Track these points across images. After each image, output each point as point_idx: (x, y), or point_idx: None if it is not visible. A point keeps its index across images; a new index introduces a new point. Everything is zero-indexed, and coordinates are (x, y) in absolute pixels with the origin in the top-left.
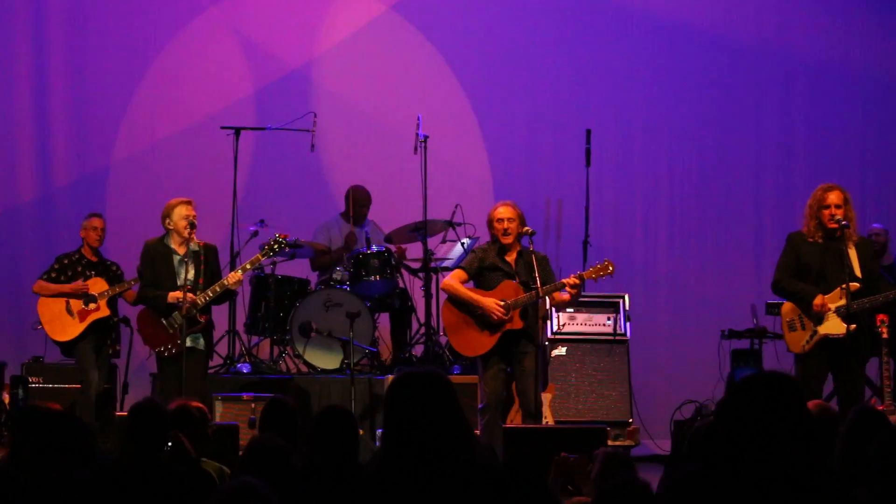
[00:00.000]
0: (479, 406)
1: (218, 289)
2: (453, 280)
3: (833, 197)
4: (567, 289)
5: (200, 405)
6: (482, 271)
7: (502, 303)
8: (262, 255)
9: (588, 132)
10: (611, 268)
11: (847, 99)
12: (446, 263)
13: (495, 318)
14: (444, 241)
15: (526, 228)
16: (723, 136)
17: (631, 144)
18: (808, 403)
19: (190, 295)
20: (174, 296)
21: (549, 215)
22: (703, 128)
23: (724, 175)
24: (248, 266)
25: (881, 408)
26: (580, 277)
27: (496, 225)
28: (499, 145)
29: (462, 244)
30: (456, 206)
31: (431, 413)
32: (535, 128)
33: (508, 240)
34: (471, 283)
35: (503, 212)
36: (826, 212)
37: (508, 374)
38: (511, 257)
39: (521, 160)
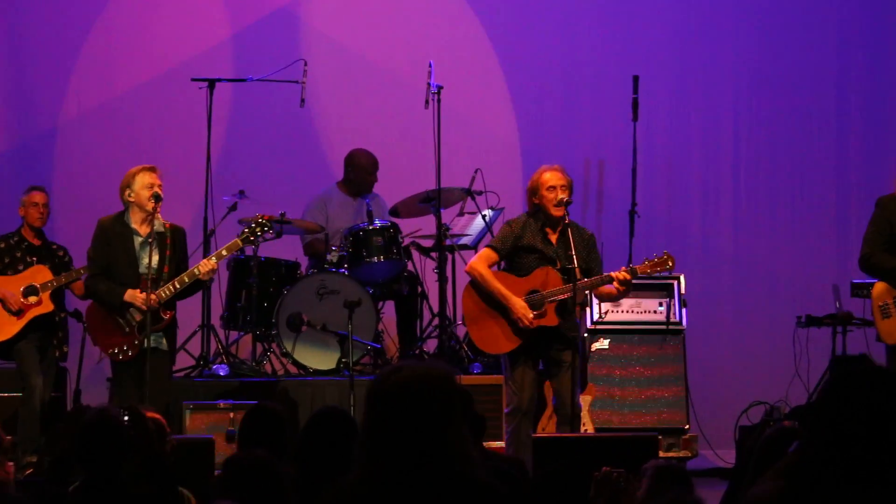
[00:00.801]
0: (505, 411)
1: (187, 279)
2: (481, 263)
3: None
4: (615, 284)
5: (156, 415)
6: (517, 252)
7: (532, 314)
8: (242, 241)
9: (635, 79)
10: (670, 263)
11: None
12: (464, 240)
13: (521, 325)
14: (461, 214)
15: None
16: (798, 84)
17: (687, 94)
18: None
19: (154, 296)
20: (133, 296)
21: (589, 180)
22: (775, 74)
23: (799, 130)
24: (224, 252)
25: None
26: (632, 272)
27: (545, 193)
28: (527, 97)
29: (483, 217)
30: (476, 172)
31: (414, 421)
32: (572, 75)
33: (561, 211)
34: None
35: (554, 177)
36: None
37: (540, 373)
38: (554, 237)
39: (553, 114)
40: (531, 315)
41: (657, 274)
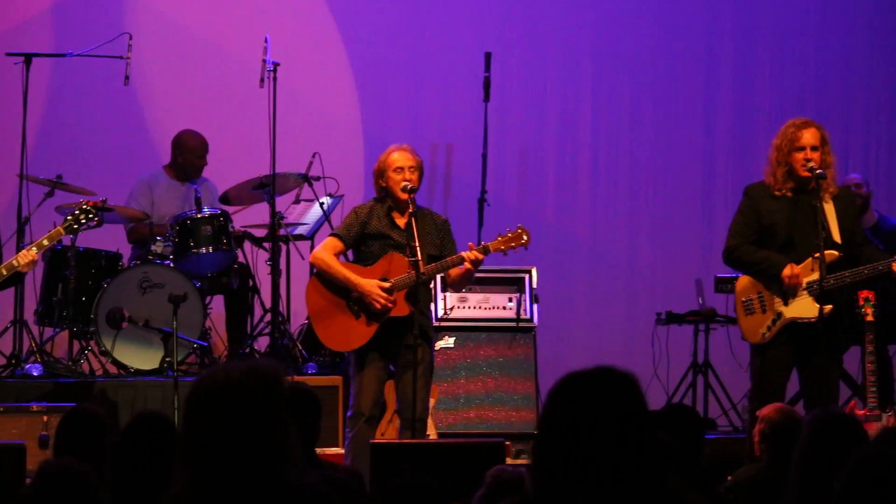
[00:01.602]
0: (348, 414)
1: (4, 271)
2: (325, 252)
3: (809, 136)
4: (466, 264)
5: None
6: (364, 240)
7: (387, 284)
8: (65, 230)
9: (487, 56)
10: (525, 237)
11: (826, 18)
12: (300, 230)
13: (378, 306)
14: (297, 201)
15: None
16: (663, 67)
17: (543, 73)
18: (768, 408)
19: None
20: None
21: (436, 164)
22: (638, 54)
23: (663, 111)
24: (45, 242)
25: (861, 412)
26: (484, 250)
27: (392, 175)
28: (371, 76)
29: (321, 204)
30: (314, 156)
31: (236, 427)
32: (419, 52)
33: (407, 196)
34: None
35: (402, 157)
36: (799, 155)
37: (390, 373)
38: (402, 221)
39: (399, 95)
40: (385, 294)
41: (512, 251)
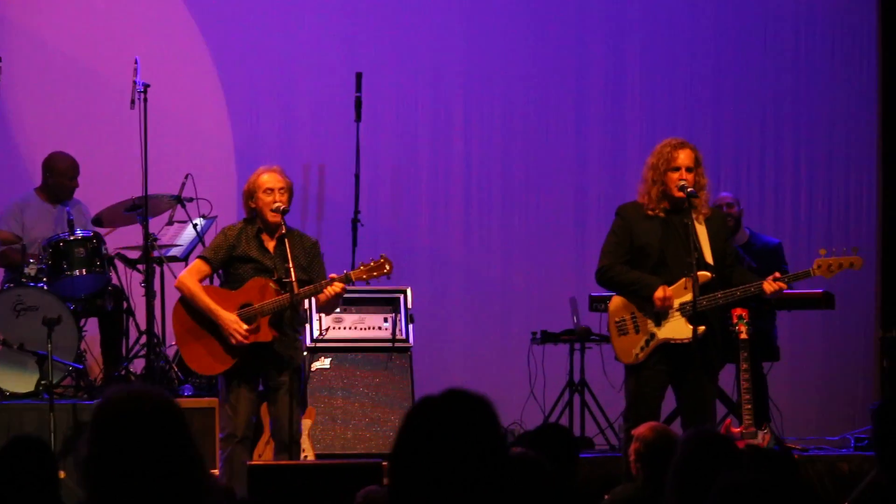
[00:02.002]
0: (220, 436)
1: None
2: (190, 277)
3: (684, 157)
4: (327, 291)
5: None
6: (232, 262)
7: (245, 328)
8: None
9: (358, 76)
10: (387, 267)
11: (697, 37)
12: (174, 251)
13: (233, 341)
14: (170, 223)
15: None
16: (534, 85)
17: (415, 92)
18: (643, 427)
19: None
20: None
21: (309, 185)
22: (511, 69)
23: (534, 131)
24: None
25: (737, 430)
26: (346, 279)
27: (262, 197)
28: (242, 97)
29: (195, 226)
30: (186, 177)
31: (144, 450)
32: (292, 73)
33: (278, 218)
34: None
35: (272, 179)
36: (674, 175)
37: (259, 394)
38: (271, 244)
39: (271, 115)
40: (244, 329)
41: (375, 280)
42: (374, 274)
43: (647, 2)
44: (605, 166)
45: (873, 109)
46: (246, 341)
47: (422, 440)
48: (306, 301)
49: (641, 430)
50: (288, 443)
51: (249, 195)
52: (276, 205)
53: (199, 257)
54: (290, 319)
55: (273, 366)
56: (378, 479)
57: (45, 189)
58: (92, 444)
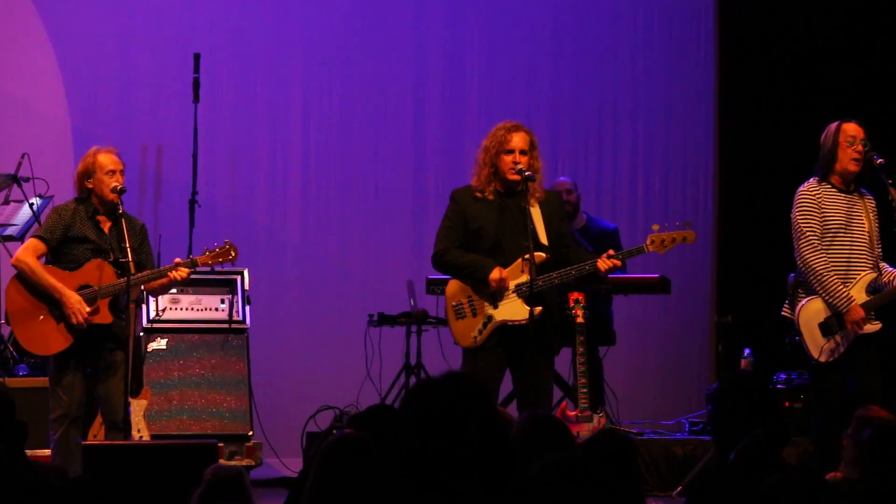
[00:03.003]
0: (52, 417)
1: None
2: (28, 254)
3: (518, 140)
4: (171, 275)
5: None
6: (67, 242)
7: (88, 309)
8: None
9: (196, 57)
10: (233, 253)
11: (537, 22)
12: (9, 231)
13: (74, 321)
14: (6, 202)
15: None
16: (372, 64)
17: (253, 74)
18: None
19: None
20: None
21: (147, 166)
22: (349, 51)
23: (373, 113)
24: None
25: (573, 413)
26: (192, 264)
27: (104, 178)
28: (79, 74)
29: (31, 205)
30: (23, 156)
31: None
32: (128, 52)
33: (117, 198)
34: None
35: (111, 161)
36: (508, 158)
37: (90, 375)
38: (107, 225)
39: (108, 95)
40: (87, 310)
41: (220, 266)
42: (220, 260)
43: None
44: (443, 149)
45: (710, 97)
46: (84, 324)
47: (419, 419)
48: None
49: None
50: (121, 423)
51: (87, 175)
52: (115, 185)
53: (34, 236)
54: (126, 301)
55: (107, 346)
56: (214, 459)
57: None
58: None
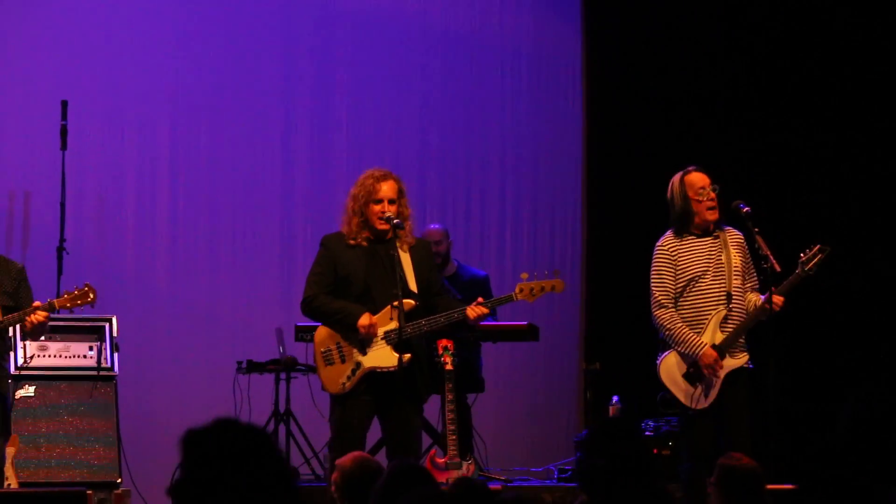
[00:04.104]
0: None
1: None
2: None
3: (386, 189)
4: (30, 319)
5: None
6: None
7: None
8: None
9: (64, 104)
10: (91, 295)
11: (404, 68)
12: None
13: None
14: None
15: None
16: (242, 107)
17: (121, 121)
18: (345, 457)
19: None
20: None
21: (14, 212)
22: (215, 98)
23: (242, 159)
24: None
25: (441, 460)
26: (50, 307)
27: None
28: None
29: None
30: None
31: None
32: None
33: None
34: None
35: None
36: (376, 207)
37: None
38: None
39: None
40: None
41: (79, 309)
42: (78, 302)
43: (355, 34)
44: (312, 196)
45: (579, 144)
46: None
47: (207, 470)
48: (10, 328)
49: (343, 459)
50: None
51: None
52: None
53: None
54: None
55: None
56: None
57: None
58: None
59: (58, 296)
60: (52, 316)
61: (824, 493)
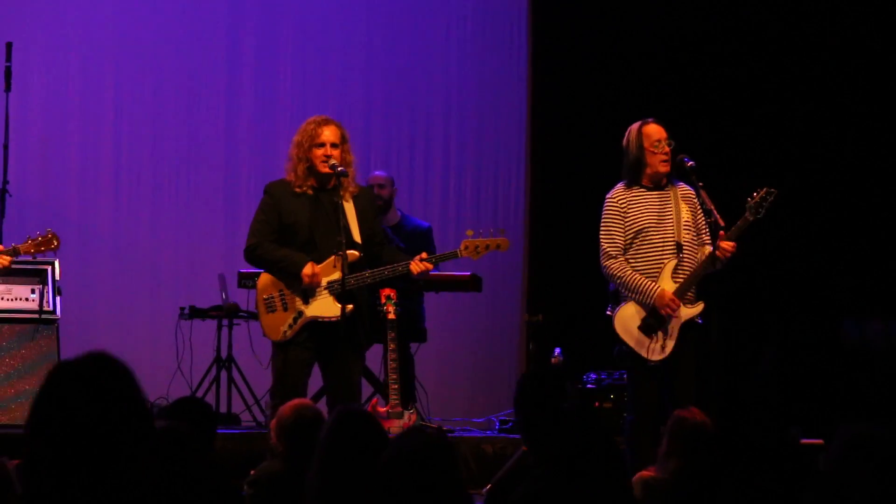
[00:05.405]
0: None
1: None
2: None
3: (328, 133)
4: None
5: None
6: None
7: None
8: None
9: (9, 46)
10: (56, 242)
11: (348, 16)
12: None
13: None
14: None
15: None
16: (186, 50)
17: (66, 65)
18: (286, 405)
19: None
20: None
21: None
22: (161, 41)
23: (186, 106)
24: None
25: (383, 409)
26: (14, 252)
27: None
28: None
29: None
30: None
31: None
32: None
33: None
34: None
35: None
36: (319, 152)
37: None
38: None
39: None
40: None
41: (42, 255)
42: (42, 248)
43: None
44: (256, 143)
45: (523, 96)
46: None
47: (59, 406)
48: None
49: (283, 407)
50: None
51: None
52: None
53: None
54: None
55: None
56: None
57: None
58: None
59: (0, 239)
60: None
61: (743, 436)
